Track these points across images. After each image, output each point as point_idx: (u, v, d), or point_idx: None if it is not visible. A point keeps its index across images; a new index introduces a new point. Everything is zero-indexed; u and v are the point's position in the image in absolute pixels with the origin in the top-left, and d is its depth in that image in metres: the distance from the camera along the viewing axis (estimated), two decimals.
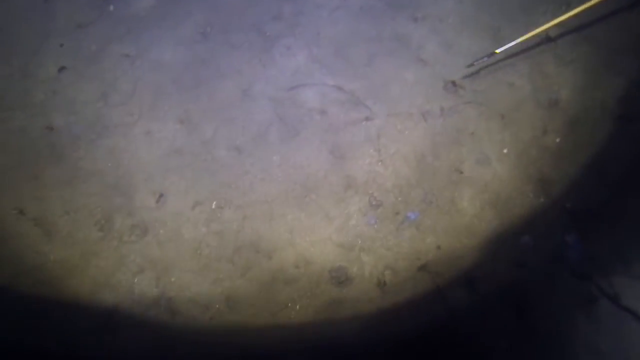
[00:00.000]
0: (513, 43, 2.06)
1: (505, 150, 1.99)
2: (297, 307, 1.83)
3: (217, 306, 1.84)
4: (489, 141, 2.02)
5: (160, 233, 1.97)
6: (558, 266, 1.75)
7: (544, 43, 2.20)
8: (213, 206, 1.99)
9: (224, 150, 2.12)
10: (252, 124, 2.16)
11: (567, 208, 1.87)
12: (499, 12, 2.33)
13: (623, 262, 1.72)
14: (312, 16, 2.45)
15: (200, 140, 2.14)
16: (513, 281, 1.75)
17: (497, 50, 2.09)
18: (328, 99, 2.19)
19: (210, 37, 2.42)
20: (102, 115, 2.25)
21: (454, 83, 2.16)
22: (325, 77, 2.24)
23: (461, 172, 1.97)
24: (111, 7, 2.52)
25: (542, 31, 2.03)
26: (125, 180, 2.09)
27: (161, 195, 2.04)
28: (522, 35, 2.05)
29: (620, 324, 1.61)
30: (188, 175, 2.07)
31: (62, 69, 2.40)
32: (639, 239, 1.76)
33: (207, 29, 2.44)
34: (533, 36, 2.05)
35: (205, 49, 2.38)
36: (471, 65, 2.13)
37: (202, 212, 1.99)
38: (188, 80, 2.29)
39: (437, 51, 2.26)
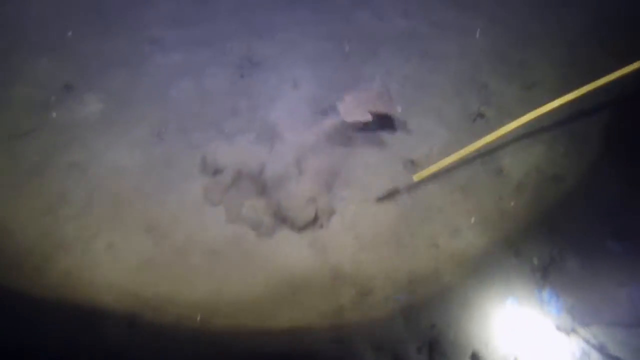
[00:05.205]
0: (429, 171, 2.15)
1: (472, 220, 2.14)
2: None
3: None
4: (457, 213, 2.16)
5: None
6: (546, 323, 1.86)
7: (479, 120, 2.50)
8: (198, 319, 1.84)
9: (199, 256, 2.00)
10: (227, 226, 2.09)
11: (535, 264, 2.03)
12: (437, 94, 2.61)
13: (595, 310, 1.89)
14: (268, 109, 2.52)
15: (172, 249, 2.01)
16: (513, 347, 1.81)
17: (415, 177, 2.15)
18: None
19: (167, 138, 2.35)
20: (49, 233, 2.03)
21: (412, 162, 2.33)
22: None
23: (438, 247, 2.07)
24: (54, 114, 2.36)
25: (479, 147, 2.23)
26: (87, 307, 1.85)
27: (134, 317, 1.83)
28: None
29: None
30: (164, 289, 1.90)
31: None
32: (599, 285, 1.96)
33: (162, 130, 2.39)
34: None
35: (163, 150, 2.31)
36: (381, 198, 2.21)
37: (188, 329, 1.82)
38: (151, 184, 2.18)
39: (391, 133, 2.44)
